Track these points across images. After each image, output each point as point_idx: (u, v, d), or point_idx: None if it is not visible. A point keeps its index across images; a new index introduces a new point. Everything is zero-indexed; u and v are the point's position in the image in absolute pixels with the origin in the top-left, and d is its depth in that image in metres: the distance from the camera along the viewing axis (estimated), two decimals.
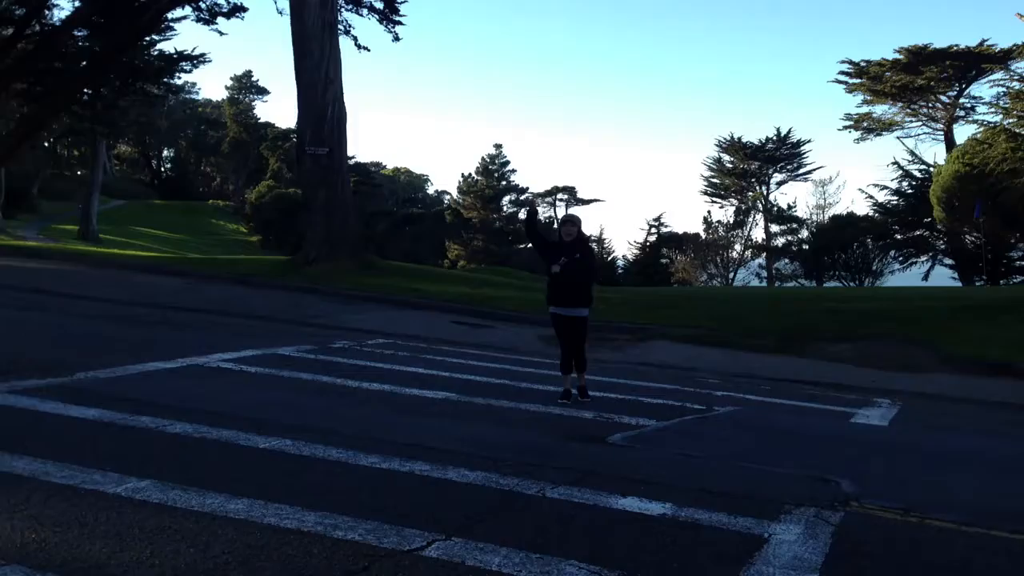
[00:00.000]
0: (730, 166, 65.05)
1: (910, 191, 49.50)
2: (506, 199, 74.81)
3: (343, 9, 27.14)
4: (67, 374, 8.25)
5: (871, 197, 51.86)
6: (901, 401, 10.92)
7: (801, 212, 62.11)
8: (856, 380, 12.52)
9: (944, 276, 47.02)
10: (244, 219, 70.76)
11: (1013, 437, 9.57)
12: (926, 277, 48.15)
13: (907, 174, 50.21)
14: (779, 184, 64.49)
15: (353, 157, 52.50)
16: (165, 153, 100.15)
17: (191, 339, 11.60)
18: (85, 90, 34.84)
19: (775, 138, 63.09)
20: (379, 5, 28.19)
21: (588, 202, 73.22)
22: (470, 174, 76.25)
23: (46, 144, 53.00)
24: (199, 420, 6.82)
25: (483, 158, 75.78)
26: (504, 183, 74.89)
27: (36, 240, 38.07)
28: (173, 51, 35.08)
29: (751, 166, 64.09)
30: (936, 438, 9.07)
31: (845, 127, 53.33)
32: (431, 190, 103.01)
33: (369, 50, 30.31)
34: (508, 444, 6.88)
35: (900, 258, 50.44)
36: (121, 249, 33.70)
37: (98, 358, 9.22)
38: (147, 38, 33.05)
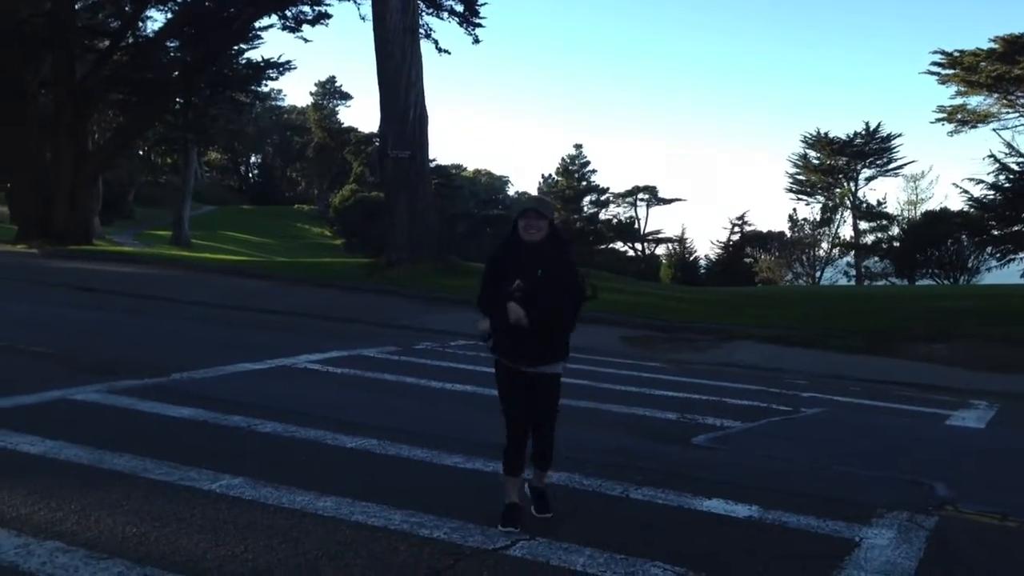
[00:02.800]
0: (816, 162, 63.67)
1: (1007, 185, 47.58)
2: (586, 199, 74.63)
3: (424, 13, 27.48)
4: (163, 375, 8.54)
5: (966, 192, 49.98)
6: (998, 403, 10.54)
7: (891, 208, 60.51)
8: (951, 381, 12.13)
9: None
10: (328, 223, 72.11)
11: None
12: None
13: (1004, 167, 48.27)
14: (868, 180, 62.89)
15: (434, 160, 53.03)
16: (253, 159, 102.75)
17: (279, 341, 11.88)
18: (177, 99, 36.00)
19: (864, 132, 61.51)
20: (459, 8, 28.46)
21: (669, 201, 72.55)
22: (550, 175, 76.40)
23: (141, 152, 54.91)
24: (288, 420, 6.98)
25: (563, 159, 75.83)
26: (584, 183, 74.74)
27: (132, 245, 39.50)
28: (260, 59, 35.94)
29: (838, 162, 62.62)
30: None
31: (938, 120, 51.50)
32: (511, 191, 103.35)
33: (450, 53, 30.58)
34: (591, 445, 6.87)
35: (997, 255, 48.45)
36: (211, 253, 34.71)
37: (192, 359, 9.52)
38: (235, 47, 33.95)
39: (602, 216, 73.93)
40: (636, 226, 72.50)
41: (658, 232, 71.62)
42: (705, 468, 6.41)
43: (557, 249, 4.92)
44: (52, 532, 4.35)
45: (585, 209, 74.09)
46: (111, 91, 31.72)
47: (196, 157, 57.33)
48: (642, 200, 72.77)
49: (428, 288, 19.56)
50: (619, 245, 71.89)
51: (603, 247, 69.83)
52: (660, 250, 70.49)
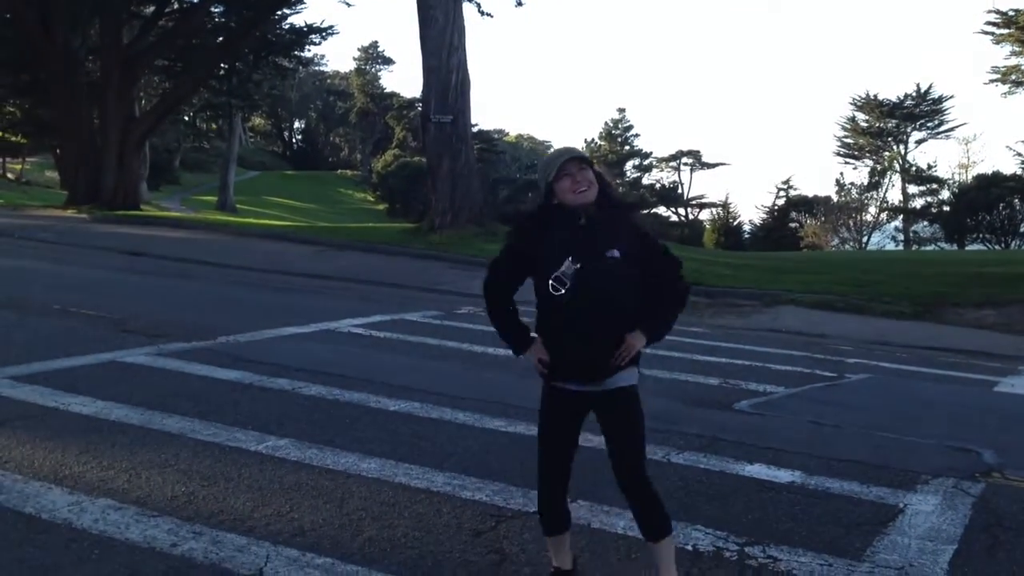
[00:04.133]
0: (865, 125, 62.45)
1: None
2: (629, 164, 74.07)
3: None
4: (210, 337, 8.67)
5: (1019, 155, 48.97)
6: None
7: (942, 172, 59.26)
8: (1000, 347, 11.91)
9: None
10: (371, 188, 72.43)
11: None
12: None
13: None
14: (918, 143, 61.58)
15: (476, 125, 52.92)
16: (296, 125, 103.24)
17: (323, 305, 11.99)
18: (222, 65, 36.18)
19: (915, 94, 60.15)
20: None
21: (713, 166, 71.85)
22: (593, 139, 75.83)
23: (186, 118, 55.40)
24: (332, 383, 7.07)
25: (606, 123, 75.26)
26: (628, 148, 74.13)
27: (178, 210, 39.99)
28: (303, 24, 35.92)
29: (888, 124, 61.36)
30: None
31: (992, 81, 50.20)
32: None
33: (492, 16, 30.47)
34: None
35: None
36: (256, 219, 35.06)
37: (238, 323, 9.66)
38: (278, 12, 33.99)
39: (645, 181, 73.39)
40: (680, 191, 71.84)
41: (702, 197, 71.00)
42: (747, 433, 6.38)
43: (621, 215, 3.42)
44: (103, 490, 4.47)
45: (628, 174, 73.53)
46: (157, 57, 31.99)
47: (240, 123, 57.77)
48: (686, 164, 72.11)
49: (470, 253, 19.58)
50: (662, 210, 71.36)
51: (646, 212, 69.33)
52: (704, 215, 69.89)
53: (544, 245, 3.34)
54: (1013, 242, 47.11)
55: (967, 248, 46.80)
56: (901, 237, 56.10)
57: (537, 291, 3.37)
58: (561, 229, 3.34)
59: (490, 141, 73.75)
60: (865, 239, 56.98)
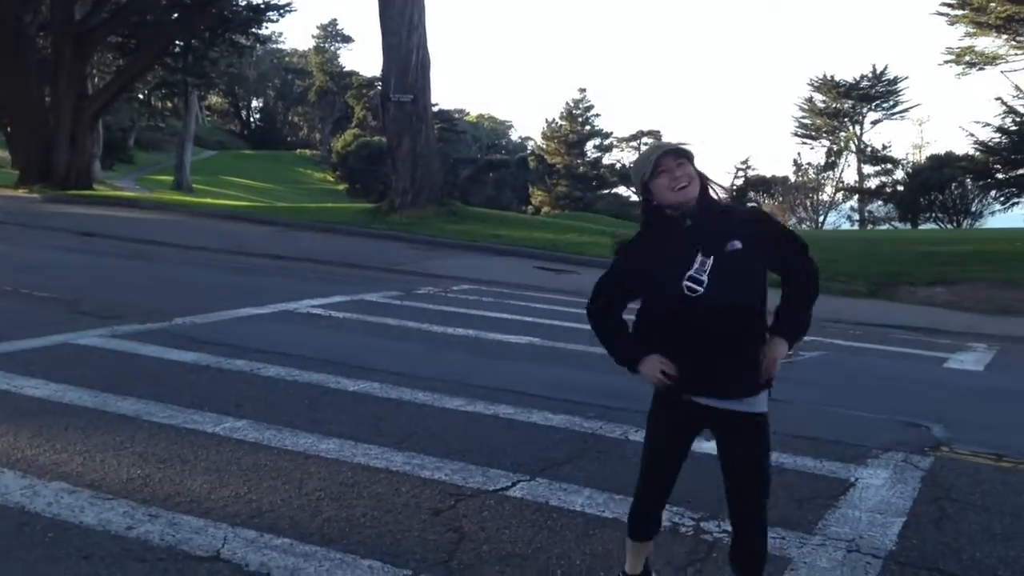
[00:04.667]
0: (822, 106, 63.04)
1: (1014, 128, 47.22)
2: (590, 144, 74.09)
3: None
4: (165, 319, 8.57)
5: (972, 135, 49.72)
6: (998, 346, 10.58)
7: (896, 152, 60.12)
8: (951, 325, 12.16)
9: None
10: (330, 167, 71.80)
11: None
12: None
13: (1011, 110, 47.86)
14: (874, 123, 62.33)
15: (437, 104, 52.53)
16: (254, 103, 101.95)
17: (281, 286, 11.90)
18: (177, 42, 35.56)
19: (870, 75, 60.82)
20: None
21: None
22: (554, 119, 75.61)
23: (141, 96, 54.40)
24: (290, 364, 7.03)
25: (567, 103, 74.98)
26: (588, 128, 74.14)
27: (133, 190, 39.35)
28: (260, 1, 35.41)
29: (844, 105, 62.00)
30: None
31: (946, 62, 50.87)
32: (515, 136, 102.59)
33: None
34: (592, 388, 6.92)
35: (1001, 199, 48.27)
36: (213, 198, 34.62)
37: (194, 304, 9.55)
38: None
39: (605, 161, 73.50)
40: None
41: None
42: None
43: (726, 206, 3.13)
44: (57, 473, 4.42)
45: (589, 154, 73.61)
46: (110, 33, 31.36)
47: (197, 101, 56.85)
48: (646, 144, 72.26)
49: (431, 233, 19.54)
50: (622, 190, 71.56)
51: (606, 192, 69.54)
52: None
53: (661, 249, 3.02)
54: (965, 221, 47.98)
55: (920, 227, 47.61)
56: (856, 217, 56.86)
57: (649, 305, 3.09)
58: (669, 234, 3.03)
59: (451, 121, 73.38)
60: (821, 219, 57.70)
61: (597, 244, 19.16)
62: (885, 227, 51.45)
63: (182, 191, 43.82)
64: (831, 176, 60.44)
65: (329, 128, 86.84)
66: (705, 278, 2.91)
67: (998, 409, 7.37)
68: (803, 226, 55.66)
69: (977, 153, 49.76)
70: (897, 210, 51.88)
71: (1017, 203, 47.84)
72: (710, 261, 2.92)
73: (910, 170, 54.83)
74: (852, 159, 61.17)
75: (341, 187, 66.14)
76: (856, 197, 58.37)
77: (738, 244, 2.95)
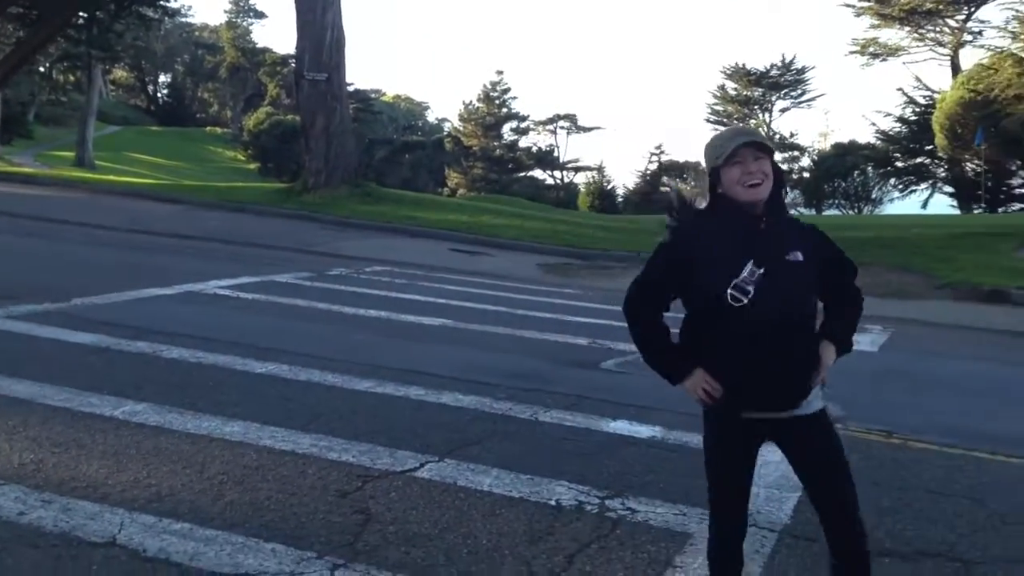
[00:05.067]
0: (734, 93, 64.32)
1: (913, 118, 49.05)
2: (507, 126, 74.09)
3: None
4: (64, 299, 8.29)
5: (874, 124, 51.51)
6: (893, 327, 10.98)
7: (803, 140, 61.76)
8: None
9: (943, 204, 46.91)
10: (242, 146, 70.14)
11: (1001, 362, 9.66)
12: (925, 205, 48.04)
13: (911, 100, 49.72)
14: (782, 111, 63.91)
15: (352, 84, 51.92)
16: (162, 79, 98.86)
17: (188, 266, 11.62)
18: (80, 13, 34.20)
19: (780, 64, 62.28)
20: None
21: (589, 130, 72.55)
22: (471, 101, 75.38)
23: (42, 69, 52.26)
24: (196, 345, 6.88)
25: (484, 85, 74.82)
26: (505, 110, 74.12)
27: (32, 166, 37.84)
28: None
29: (754, 93, 63.38)
30: (925, 363, 9.16)
31: (851, 52, 52.55)
32: (431, 118, 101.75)
33: None
34: (503, 370, 6.96)
35: (900, 186, 50.22)
36: (117, 176, 33.52)
37: (95, 284, 9.26)
38: None
39: (522, 144, 73.61)
40: (555, 154, 72.45)
41: (577, 161, 71.71)
42: (612, 391, 6.57)
43: (787, 214, 2.99)
44: None
45: (505, 136, 73.62)
46: (10, 4, 29.97)
47: (101, 75, 54.88)
48: (562, 128, 72.59)
49: (344, 213, 19.31)
50: (538, 173, 71.85)
51: (522, 175, 69.71)
52: (579, 179, 70.70)
53: (710, 246, 2.78)
54: (866, 208, 49.66)
55: (824, 213, 49.07)
56: None
57: (694, 303, 2.86)
58: (732, 227, 2.80)
59: (366, 101, 72.44)
60: None
61: (511, 227, 19.23)
62: (792, 212, 52.77)
63: (84, 168, 42.29)
64: None
65: (241, 105, 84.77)
66: (751, 288, 2.69)
67: (890, 388, 7.66)
68: None
69: (878, 142, 51.64)
70: (803, 196, 53.40)
71: (915, 190, 49.84)
72: (760, 271, 2.70)
73: (815, 157, 56.51)
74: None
75: (252, 166, 64.72)
76: None
77: (800, 256, 2.77)
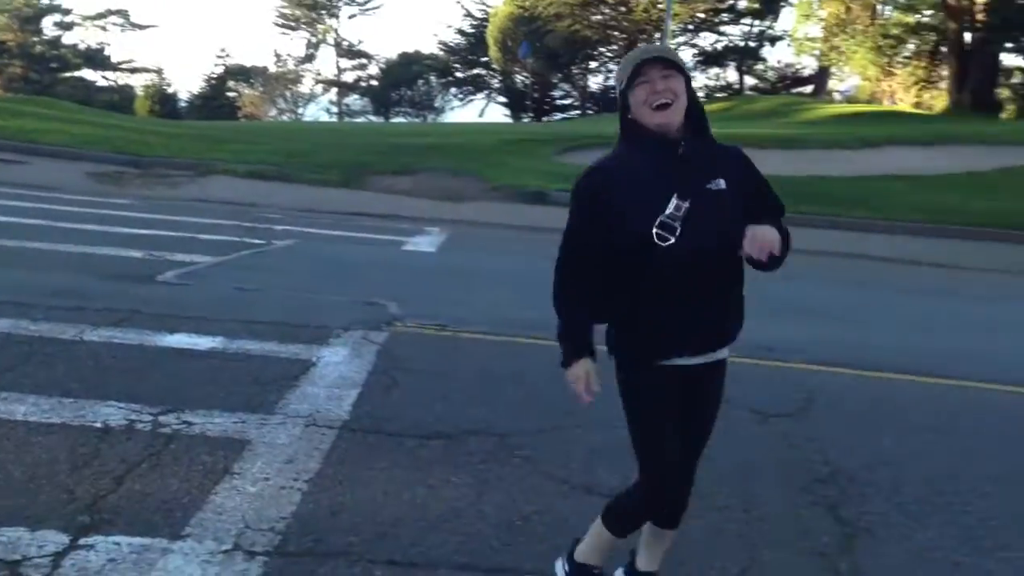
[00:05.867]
0: None
1: (471, 30, 51.86)
2: (48, 20, 65.89)
3: None
4: None
5: (436, 35, 53.65)
6: (449, 230, 11.75)
7: (372, 48, 62.60)
8: (411, 211, 13.21)
9: (498, 113, 50.63)
10: None
11: (539, 256, 10.69)
12: (481, 114, 51.52)
13: (469, 13, 52.44)
14: (351, 17, 64.06)
15: None
16: None
17: None
18: None
19: None
20: None
21: (144, 27, 66.99)
22: None
23: None
24: None
25: None
26: (46, 2, 65.74)
27: None
28: None
29: None
30: (476, 261, 9.94)
31: None
32: None
33: None
34: (44, 288, 6.33)
35: (460, 95, 53.22)
36: None
37: None
38: None
39: (66, 40, 66.02)
40: (107, 53, 66.05)
41: (132, 61, 66.06)
42: (170, 304, 6.28)
43: (708, 137, 2.56)
44: None
45: (46, 31, 65.50)
46: None
47: None
48: (115, 25, 66.23)
49: None
50: (88, 74, 65.14)
51: (69, 75, 62.79)
52: (136, 81, 65.32)
53: (629, 181, 2.44)
54: (430, 116, 52.04)
55: (392, 121, 50.60)
56: (335, 109, 58.55)
57: (618, 247, 2.46)
58: (649, 157, 2.45)
59: None
60: (301, 110, 58.44)
61: (55, 132, 17.31)
62: (361, 120, 53.75)
63: None
64: (310, 68, 61.15)
65: None
66: (678, 225, 2.38)
67: (445, 286, 8.22)
68: (284, 117, 55.96)
69: (441, 53, 54.02)
70: (372, 104, 54.47)
71: (473, 100, 53.12)
72: (686, 205, 2.39)
73: (383, 65, 57.65)
74: (331, 52, 62.42)
75: None
76: (334, 90, 59.94)
77: (722, 183, 2.46)
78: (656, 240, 2.38)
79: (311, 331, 5.82)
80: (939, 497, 3.95)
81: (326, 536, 3.12)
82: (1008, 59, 29.62)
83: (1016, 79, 30.43)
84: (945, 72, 34.58)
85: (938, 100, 34.37)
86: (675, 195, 2.39)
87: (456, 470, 3.82)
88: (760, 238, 2.32)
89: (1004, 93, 32.89)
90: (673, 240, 2.38)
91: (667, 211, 2.38)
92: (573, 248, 2.53)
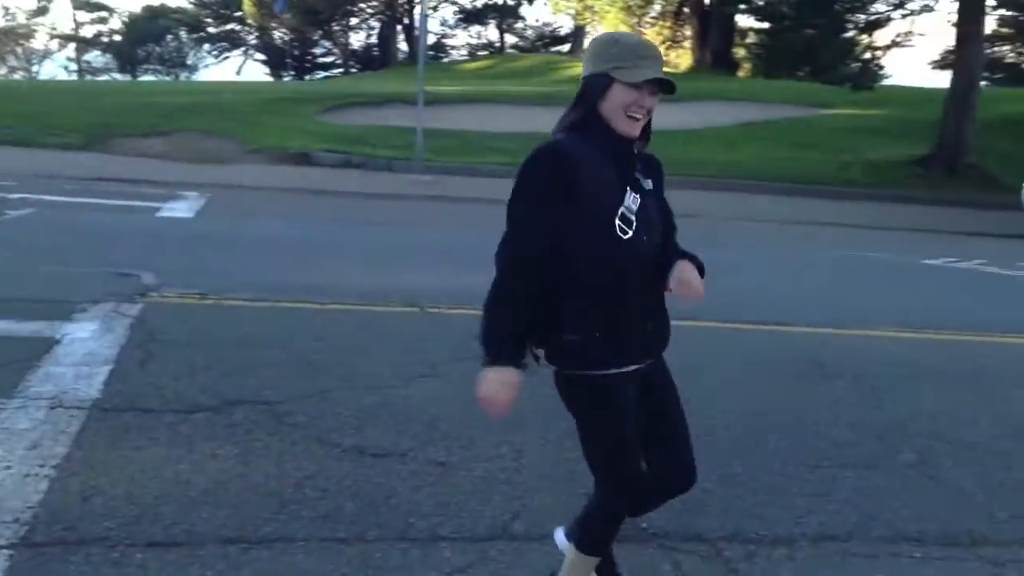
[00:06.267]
0: None
1: None
2: None
3: None
4: None
5: None
6: (209, 193, 11.23)
7: (112, 1, 58.17)
8: (165, 175, 12.51)
9: (258, 71, 48.70)
10: None
11: (305, 219, 10.50)
12: (239, 72, 49.39)
13: None
14: None
15: None
16: None
17: None
18: None
19: None
20: None
21: None
22: None
23: None
24: None
25: None
26: None
27: None
28: None
29: None
30: (238, 226, 9.57)
31: None
32: None
33: None
34: None
35: (215, 52, 50.68)
36: None
37: None
38: None
39: None
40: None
41: None
42: None
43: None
44: None
45: None
46: None
47: None
48: None
49: None
50: None
51: None
52: None
53: (589, 172, 2.26)
54: (183, 74, 49.25)
55: (140, 79, 47.45)
56: (74, 67, 54.12)
57: (577, 239, 2.27)
58: (608, 152, 2.31)
59: None
60: (36, 68, 53.64)
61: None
62: (105, 78, 49.99)
63: None
64: (43, 22, 56.10)
65: None
66: (634, 219, 2.29)
67: (205, 253, 7.87)
68: (15, 76, 51.12)
69: (190, 6, 51.03)
70: (116, 61, 50.82)
71: (228, 57, 50.72)
72: (638, 198, 2.32)
73: (125, 19, 53.78)
74: (66, 5, 57.51)
75: None
76: (72, 46, 55.33)
77: (650, 184, 2.42)
78: (618, 232, 2.28)
79: (54, 307, 5.40)
80: None
81: (78, 523, 2.93)
82: (744, 20, 31.71)
83: (751, 39, 32.69)
84: (689, 32, 36.74)
85: (683, 59, 36.34)
86: (628, 187, 2.33)
87: (221, 443, 3.69)
88: (693, 287, 2.30)
89: (740, 53, 35.24)
90: (631, 234, 2.29)
91: (625, 203, 2.30)
92: (529, 239, 2.29)
